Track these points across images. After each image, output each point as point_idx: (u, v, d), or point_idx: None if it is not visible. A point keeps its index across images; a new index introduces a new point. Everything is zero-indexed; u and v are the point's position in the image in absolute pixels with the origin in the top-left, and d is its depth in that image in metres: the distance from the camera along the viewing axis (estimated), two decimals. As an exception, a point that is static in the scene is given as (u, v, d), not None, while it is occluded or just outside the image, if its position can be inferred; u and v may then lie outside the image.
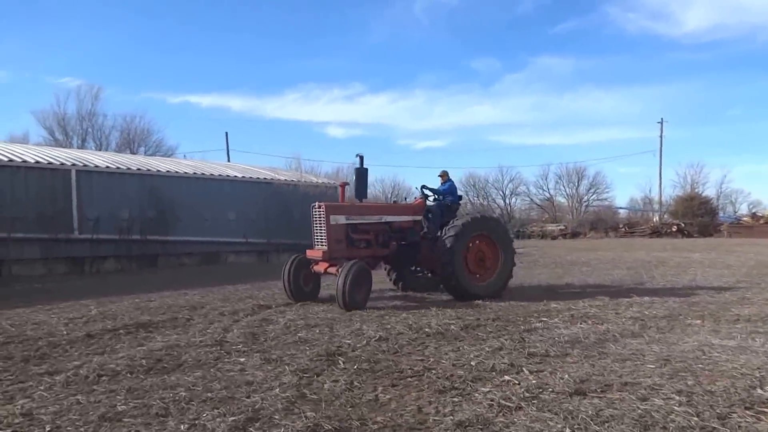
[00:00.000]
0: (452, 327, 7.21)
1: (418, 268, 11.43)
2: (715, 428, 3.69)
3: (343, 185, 10.96)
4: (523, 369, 5.18)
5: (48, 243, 16.56)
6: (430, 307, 8.99)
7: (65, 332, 7.39)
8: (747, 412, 3.98)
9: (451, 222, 10.16)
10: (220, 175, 21.57)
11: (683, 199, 52.57)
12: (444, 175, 11.27)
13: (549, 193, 65.80)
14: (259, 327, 7.51)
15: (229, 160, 38.77)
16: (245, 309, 9.08)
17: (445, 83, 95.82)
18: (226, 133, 45.34)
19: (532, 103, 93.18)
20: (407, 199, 11.78)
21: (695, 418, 3.83)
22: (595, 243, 36.88)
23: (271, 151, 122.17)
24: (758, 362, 5.29)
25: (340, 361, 5.57)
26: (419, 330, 7.08)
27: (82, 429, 3.90)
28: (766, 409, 4.02)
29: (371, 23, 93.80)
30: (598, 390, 4.51)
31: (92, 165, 18.15)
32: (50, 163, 17.06)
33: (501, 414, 4.04)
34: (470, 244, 10.15)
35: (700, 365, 5.24)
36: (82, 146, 45.32)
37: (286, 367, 5.37)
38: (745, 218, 51.70)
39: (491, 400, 4.30)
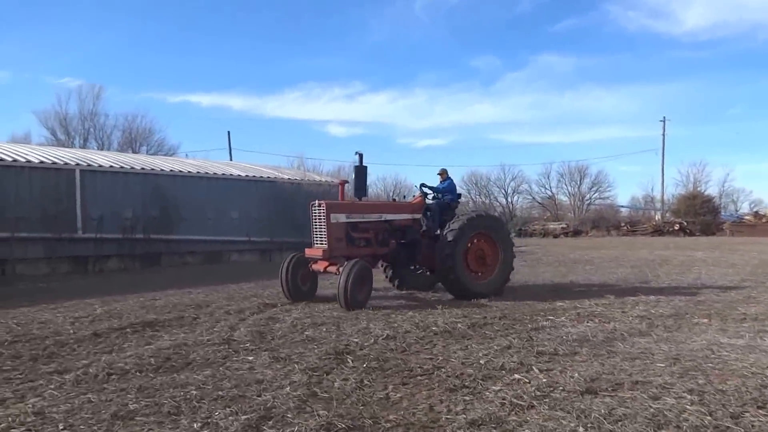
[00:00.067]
0: (459, 325, 7.21)
1: (415, 267, 11.31)
2: (728, 427, 3.69)
3: (343, 183, 10.85)
4: (533, 368, 5.18)
5: (51, 242, 16.56)
6: (436, 305, 8.99)
7: (72, 331, 7.40)
8: (760, 411, 3.98)
9: (452, 220, 10.12)
10: (223, 174, 21.57)
11: (686, 198, 52.59)
12: (443, 173, 11.20)
13: (551, 191, 65.85)
14: (265, 325, 7.51)
15: (231, 159, 38.76)
16: (251, 307, 9.09)
17: (446, 82, 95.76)
18: (228, 132, 45.40)
19: (532, 102, 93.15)
20: (405, 198, 11.70)
21: (708, 417, 3.83)
22: (598, 241, 36.87)
23: (272, 150, 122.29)
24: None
25: (348, 360, 5.57)
26: (426, 328, 7.08)
27: (95, 427, 3.90)
28: (778, 408, 4.02)
29: (371, 22, 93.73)
30: (609, 389, 4.51)
31: (96, 164, 18.15)
32: (54, 162, 17.05)
33: (513, 413, 4.04)
34: (470, 243, 10.10)
35: (710, 364, 5.24)
36: (84, 146, 45.36)
37: (295, 365, 5.37)
38: (747, 217, 51.63)
39: (503, 399, 4.30)
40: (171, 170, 20.14)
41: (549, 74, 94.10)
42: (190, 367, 5.50)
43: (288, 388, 4.66)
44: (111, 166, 18.49)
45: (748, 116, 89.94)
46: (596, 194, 64.55)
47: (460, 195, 11.41)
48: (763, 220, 45.23)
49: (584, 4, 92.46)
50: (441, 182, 11.13)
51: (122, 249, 18.15)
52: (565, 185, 65.50)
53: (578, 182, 64.37)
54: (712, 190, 58.06)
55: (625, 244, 30.55)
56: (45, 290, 12.67)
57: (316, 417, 3.96)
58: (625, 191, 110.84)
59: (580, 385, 4.56)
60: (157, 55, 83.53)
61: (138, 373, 5.27)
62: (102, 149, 42.87)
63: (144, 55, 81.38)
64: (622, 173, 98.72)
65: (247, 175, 22.28)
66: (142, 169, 19.31)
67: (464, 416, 3.97)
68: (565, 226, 50.35)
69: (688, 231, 44.21)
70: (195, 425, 3.88)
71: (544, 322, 7.44)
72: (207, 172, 21.04)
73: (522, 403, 4.21)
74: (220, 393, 4.58)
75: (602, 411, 3.98)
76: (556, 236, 45.91)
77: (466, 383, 4.75)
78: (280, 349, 6.14)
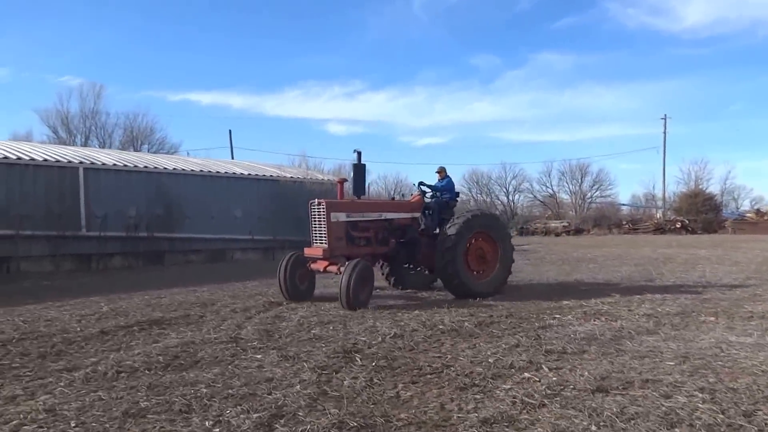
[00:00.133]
0: (466, 324, 7.21)
1: (413, 266, 11.18)
2: (741, 425, 3.68)
3: (341, 181, 10.66)
4: (542, 366, 5.17)
5: (56, 240, 16.60)
6: (441, 303, 8.99)
7: (79, 329, 7.40)
8: (772, 409, 3.97)
9: (452, 219, 10.04)
10: (226, 172, 21.58)
11: (687, 196, 52.60)
12: (441, 172, 11.09)
13: (552, 189, 65.85)
14: (272, 324, 7.52)
15: (233, 158, 38.75)
16: (256, 306, 9.09)
17: (445, 80, 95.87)
18: (230, 131, 45.73)
19: (532, 100, 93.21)
20: (404, 197, 11.63)
21: (721, 416, 3.82)
22: (599, 240, 36.87)
23: (273, 149, 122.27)
24: (777, 359, 5.28)
25: (357, 358, 5.57)
26: (433, 327, 7.07)
27: (107, 425, 3.90)
28: (790, 407, 4.01)
29: (370, 20, 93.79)
30: (620, 387, 4.51)
31: (99, 163, 18.17)
32: (58, 161, 17.08)
33: (525, 411, 4.03)
34: (470, 242, 10.02)
35: (720, 362, 5.23)
36: (86, 144, 45.42)
37: (304, 364, 5.36)
38: (749, 214, 51.61)
39: (513, 397, 4.30)
40: (174, 169, 20.16)
41: (548, 72, 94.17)
42: (199, 365, 5.50)
43: (298, 387, 4.65)
44: (114, 165, 18.51)
45: (749, 113, 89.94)
46: (597, 192, 64.62)
47: (458, 193, 11.33)
48: (765, 218, 45.22)
49: (583, 2, 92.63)
50: (439, 181, 11.05)
51: (126, 247, 18.19)
52: (567, 183, 65.61)
53: (579, 180, 64.47)
54: (713, 188, 58.04)
55: (627, 243, 30.54)
56: (49, 288, 12.69)
57: (328, 415, 3.96)
58: (625, 189, 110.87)
59: (591, 384, 4.55)
60: (157, 54, 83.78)
61: (147, 371, 5.27)
62: (103, 147, 42.90)
63: (144, 54, 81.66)
64: (623, 171, 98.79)
65: (249, 174, 22.30)
66: (146, 167, 19.33)
67: (476, 415, 3.96)
68: (566, 224, 50.38)
69: (689, 229, 44.21)
70: (207, 423, 3.88)
71: (551, 321, 7.44)
72: (210, 171, 21.05)
73: (533, 401, 4.20)
74: (230, 391, 4.58)
75: (614, 409, 3.97)
76: (557, 235, 45.92)
77: (476, 382, 4.75)
78: (287, 347, 6.14)
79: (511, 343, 6.11)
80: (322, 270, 9.49)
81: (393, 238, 10.25)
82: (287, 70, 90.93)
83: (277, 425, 3.82)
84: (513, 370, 5.10)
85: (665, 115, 55.65)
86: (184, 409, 4.17)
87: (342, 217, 9.53)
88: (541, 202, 66.13)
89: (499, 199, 66.12)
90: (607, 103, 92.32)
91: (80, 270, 17.02)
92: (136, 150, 44.09)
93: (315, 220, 9.59)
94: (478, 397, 4.39)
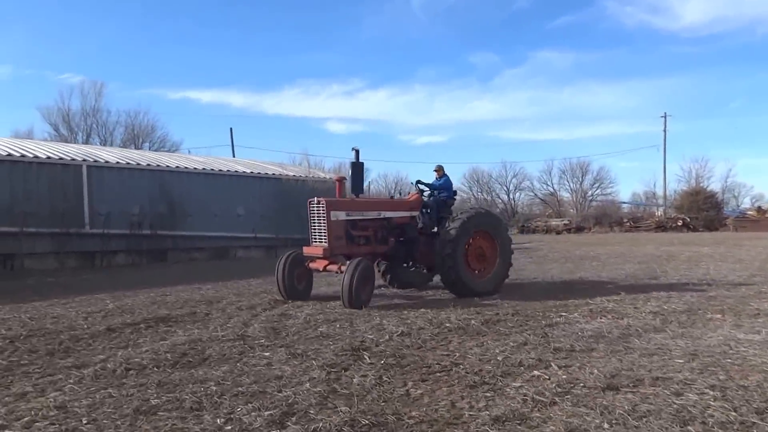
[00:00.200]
0: (472, 322, 7.20)
1: (410, 264, 11.05)
2: (754, 423, 3.67)
3: (340, 179, 10.48)
4: (552, 364, 5.17)
5: (60, 237, 16.63)
6: (447, 302, 8.99)
7: (85, 326, 7.42)
8: (784, 407, 3.97)
9: (452, 218, 9.98)
10: (228, 170, 21.59)
11: (688, 194, 52.50)
12: (439, 170, 11.01)
13: (553, 188, 65.78)
14: (278, 322, 7.52)
15: (234, 156, 38.76)
16: (261, 303, 9.10)
17: (444, 78, 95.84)
18: (231, 129, 45.59)
19: (531, 98, 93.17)
20: (401, 194, 11.56)
21: (733, 413, 3.82)
22: (601, 237, 36.84)
23: (273, 147, 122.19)
24: (787, 357, 5.27)
25: (365, 356, 5.56)
26: (440, 325, 7.07)
27: (119, 422, 3.90)
28: (802, 404, 4.00)
29: (369, 18, 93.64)
30: (630, 385, 4.50)
31: (103, 161, 18.18)
32: (61, 158, 17.10)
33: (536, 409, 4.03)
34: (470, 241, 9.95)
35: (729, 360, 5.22)
36: (87, 142, 45.42)
37: (313, 362, 5.36)
38: (750, 212, 51.58)
39: (524, 395, 4.29)
40: (177, 167, 20.17)
41: (547, 70, 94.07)
42: (207, 362, 5.50)
43: (307, 384, 4.65)
44: (118, 162, 18.52)
45: (748, 111, 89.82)
46: (598, 190, 64.52)
47: (455, 192, 11.24)
48: (767, 215, 45.18)
49: (581, 0, 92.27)
50: (437, 179, 10.99)
51: (129, 245, 18.22)
52: (567, 182, 65.46)
53: (580, 179, 64.32)
54: (714, 186, 57.92)
55: (629, 240, 30.52)
56: (54, 285, 12.70)
57: (340, 413, 3.96)
58: (626, 187, 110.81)
59: (601, 382, 4.55)
60: (157, 51, 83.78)
61: (155, 369, 5.27)
62: (105, 145, 42.92)
63: (144, 51, 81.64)
64: (621, 169, 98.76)
65: (252, 172, 22.30)
66: (149, 165, 19.34)
67: (487, 413, 3.95)
68: (567, 222, 50.34)
69: (691, 227, 44.18)
70: (218, 421, 3.88)
71: (557, 319, 7.43)
72: (213, 169, 21.06)
73: (544, 399, 4.20)
74: (240, 389, 4.58)
75: (626, 407, 3.97)
76: (558, 233, 45.90)
77: (486, 380, 4.74)
78: (295, 345, 6.14)
79: (518, 341, 6.11)
80: (321, 269, 9.36)
81: (392, 236, 10.16)
82: (286, 68, 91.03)
83: (289, 423, 3.82)
84: (522, 368, 5.10)
85: (665, 113, 55.63)
86: (195, 407, 4.17)
87: (342, 215, 9.43)
88: (542, 200, 66.05)
89: (499, 198, 66.12)
90: (607, 102, 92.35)
91: (84, 267, 17.05)
92: (137, 148, 44.09)
93: (314, 219, 9.47)
94: (488, 395, 4.38)
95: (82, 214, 17.12)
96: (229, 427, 3.77)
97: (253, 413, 3.99)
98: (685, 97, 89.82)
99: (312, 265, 9.54)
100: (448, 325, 7.06)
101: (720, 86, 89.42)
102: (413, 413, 4.02)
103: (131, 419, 3.95)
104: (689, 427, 3.62)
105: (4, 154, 16.00)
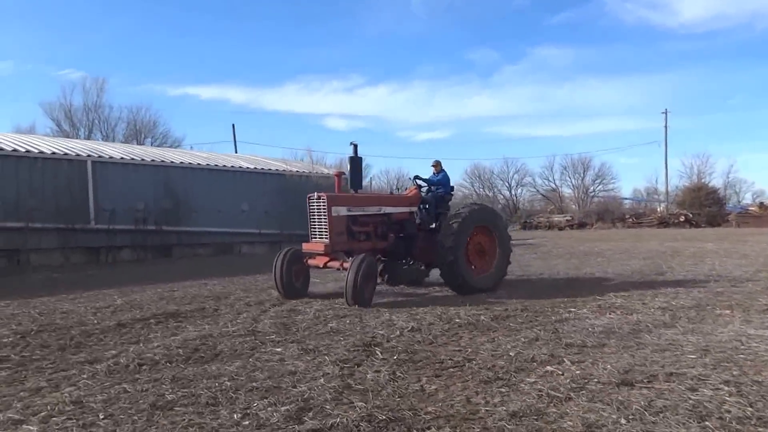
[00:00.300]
0: (482, 318, 7.21)
1: (408, 260, 10.76)
2: (771, 418, 3.68)
3: (339, 174, 10.38)
4: (564, 360, 5.17)
5: (65, 233, 16.66)
6: (454, 298, 8.99)
7: (95, 321, 7.44)
8: (799, 402, 3.97)
9: (452, 214, 9.90)
10: (233, 166, 21.59)
11: (690, 190, 52.40)
12: (437, 166, 10.89)
13: (555, 184, 65.72)
14: (288, 317, 7.53)
15: (236, 152, 38.71)
16: (269, 299, 9.11)
17: (444, 75, 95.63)
18: (233, 125, 45.35)
19: (531, 94, 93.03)
20: (399, 190, 11.52)
21: (749, 409, 3.82)
22: (604, 233, 36.81)
23: (274, 143, 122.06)
24: (799, 353, 5.27)
25: (377, 352, 5.57)
26: (450, 321, 7.08)
27: (135, 417, 3.91)
28: (818, 400, 4.00)
29: (368, 14, 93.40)
30: (644, 380, 4.50)
31: (107, 156, 18.19)
32: (66, 154, 17.10)
33: (552, 404, 4.03)
34: (470, 237, 9.86)
35: (741, 355, 5.22)
36: (89, 137, 45.42)
37: (325, 357, 5.37)
38: (752, 207, 51.46)
39: (539, 391, 4.30)
40: (181, 162, 20.17)
41: (547, 67, 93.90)
42: (220, 358, 5.51)
43: (322, 380, 4.66)
44: (122, 158, 18.52)
45: (748, 106, 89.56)
46: (600, 186, 64.47)
47: (453, 187, 11.12)
48: (769, 212, 45.06)
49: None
50: (434, 174, 10.90)
51: (135, 240, 18.24)
52: (569, 178, 65.45)
53: (582, 175, 64.30)
54: (716, 182, 57.85)
55: (632, 236, 30.48)
56: (60, 280, 12.74)
57: (356, 408, 3.97)
58: (627, 184, 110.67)
59: (615, 377, 4.55)
60: (157, 47, 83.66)
61: (168, 364, 5.29)
62: (107, 141, 42.93)
63: (144, 47, 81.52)
64: (622, 165, 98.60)
65: (256, 168, 22.30)
66: (153, 161, 19.34)
67: (504, 408, 3.96)
68: (570, 218, 50.23)
69: (693, 222, 44.11)
70: (235, 416, 3.89)
71: (567, 314, 7.43)
72: (217, 165, 21.06)
73: (559, 395, 4.20)
74: (254, 384, 4.58)
75: (642, 403, 3.97)
76: (561, 229, 45.83)
77: (500, 375, 4.75)
78: (306, 340, 6.14)
79: (530, 337, 6.11)
80: (322, 266, 9.18)
81: (392, 232, 10.00)
82: (286, 64, 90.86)
83: (306, 418, 3.83)
84: (535, 363, 5.10)
85: (666, 109, 55.52)
86: (211, 402, 4.18)
87: (343, 211, 9.25)
88: (544, 196, 65.99)
89: (501, 194, 66.07)
90: (607, 98, 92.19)
91: (89, 262, 17.08)
92: (139, 143, 44.09)
93: (315, 215, 9.30)
94: (503, 390, 4.39)
95: (87, 210, 17.14)
96: (247, 422, 3.78)
97: (269, 408, 4.00)
98: (685, 92, 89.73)
99: (311, 261, 9.34)
100: (457, 320, 7.07)
101: (720, 82, 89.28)
102: (429, 408, 4.03)
103: (148, 414, 3.96)
104: (707, 423, 3.62)
105: (9, 149, 16.01)
